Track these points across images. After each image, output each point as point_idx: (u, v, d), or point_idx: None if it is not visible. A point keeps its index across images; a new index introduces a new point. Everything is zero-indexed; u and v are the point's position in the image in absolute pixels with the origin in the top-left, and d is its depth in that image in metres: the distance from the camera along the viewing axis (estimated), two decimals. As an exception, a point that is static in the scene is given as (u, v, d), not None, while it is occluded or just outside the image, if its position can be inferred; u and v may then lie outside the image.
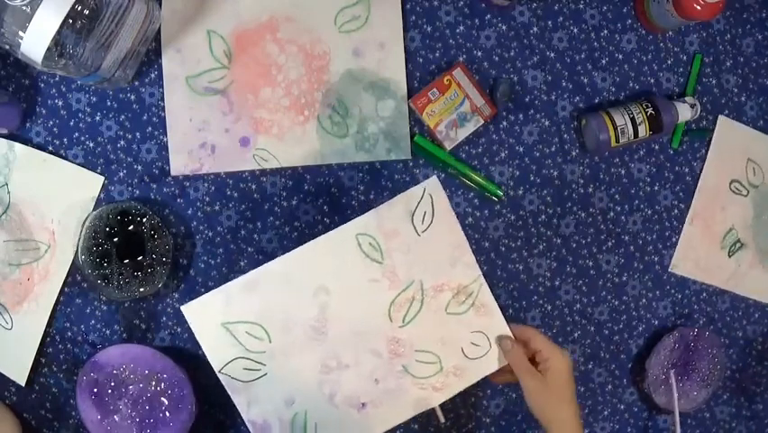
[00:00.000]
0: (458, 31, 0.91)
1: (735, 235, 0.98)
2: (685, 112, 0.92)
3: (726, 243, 0.98)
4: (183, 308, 0.77)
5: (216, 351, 0.78)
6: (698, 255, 0.97)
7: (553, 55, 0.93)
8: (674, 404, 0.94)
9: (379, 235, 0.78)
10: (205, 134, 0.87)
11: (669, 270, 0.97)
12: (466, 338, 0.81)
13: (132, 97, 0.87)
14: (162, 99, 0.87)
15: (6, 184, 0.85)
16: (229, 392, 0.78)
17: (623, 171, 0.95)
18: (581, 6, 0.93)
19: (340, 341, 0.79)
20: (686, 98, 0.93)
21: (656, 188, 0.96)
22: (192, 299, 0.88)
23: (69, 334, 0.88)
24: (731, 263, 0.98)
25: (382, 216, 0.78)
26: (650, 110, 0.90)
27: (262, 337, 0.78)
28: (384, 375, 0.80)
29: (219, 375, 0.78)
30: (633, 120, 0.90)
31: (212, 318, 0.77)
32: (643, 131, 0.90)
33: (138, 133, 0.87)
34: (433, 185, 0.78)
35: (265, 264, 0.77)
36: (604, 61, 0.94)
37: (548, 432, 0.76)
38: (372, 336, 0.79)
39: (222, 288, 0.77)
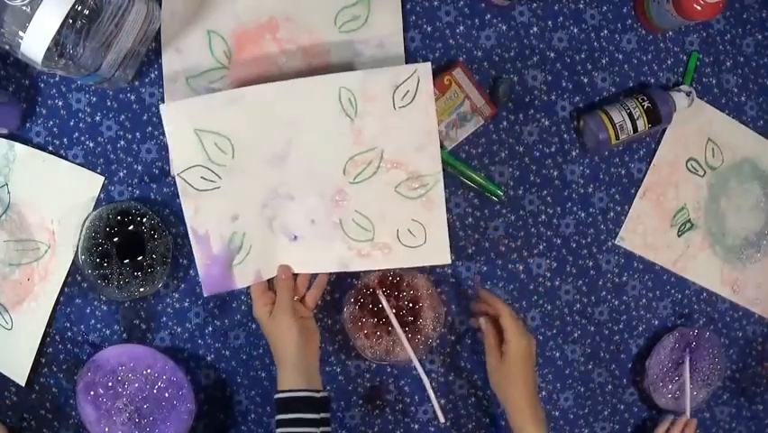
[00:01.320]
0: (458, 31, 0.91)
1: (686, 215, 0.96)
2: (681, 100, 0.92)
3: (677, 221, 0.96)
4: (162, 107, 0.79)
5: (182, 154, 0.81)
6: (646, 230, 0.95)
7: (553, 55, 0.93)
8: (686, 392, 0.94)
9: (359, 95, 0.81)
10: (204, 134, 0.87)
11: (615, 242, 0.95)
12: (404, 224, 0.84)
13: (132, 97, 0.87)
14: (162, 99, 0.87)
15: (6, 184, 0.85)
16: (180, 197, 0.82)
17: (623, 171, 0.95)
18: (581, 6, 0.93)
19: (295, 174, 0.83)
20: (681, 87, 0.93)
21: (656, 188, 0.96)
22: (192, 298, 0.89)
23: (69, 334, 0.88)
24: (680, 243, 0.96)
25: (368, 79, 0.81)
26: (646, 103, 0.90)
27: (227, 151, 0.81)
28: (320, 219, 0.84)
29: (177, 178, 0.81)
30: (630, 115, 0.90)
31: (187, 122, 0.80)
32: (642, 125, 0.90)
33: (138, 133, 0.87)
34: (423, 69, 0.82)
35: (250, 87, 0.80)
36: (604, 61, 0.94)
37: (505, 408, 0.84)
38: (323, 180, 0.83)
39: (204, 96, 0.80)
